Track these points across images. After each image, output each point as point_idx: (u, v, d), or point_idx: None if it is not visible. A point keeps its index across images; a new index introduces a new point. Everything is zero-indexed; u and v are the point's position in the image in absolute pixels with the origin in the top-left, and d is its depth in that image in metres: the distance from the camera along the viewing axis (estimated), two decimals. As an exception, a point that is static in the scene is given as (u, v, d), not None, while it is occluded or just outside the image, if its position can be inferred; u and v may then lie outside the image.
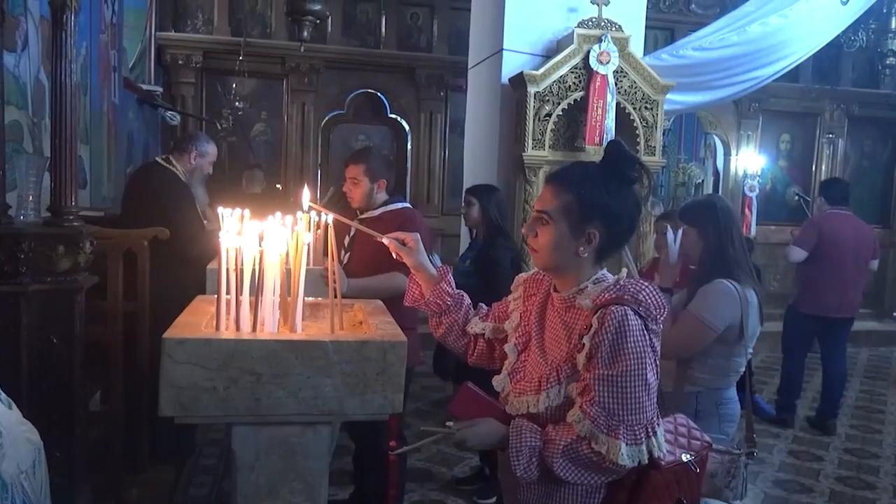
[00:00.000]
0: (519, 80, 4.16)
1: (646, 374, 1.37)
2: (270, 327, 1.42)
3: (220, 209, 2.40)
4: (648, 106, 4.23)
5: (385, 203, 3.10)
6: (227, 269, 1.40)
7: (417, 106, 7.19)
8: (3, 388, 2.22)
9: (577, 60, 4.11)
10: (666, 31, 7.46)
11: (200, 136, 3.57)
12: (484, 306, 1.79)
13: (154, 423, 3.19)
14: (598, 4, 4.17)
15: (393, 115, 7.24)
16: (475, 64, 5.00)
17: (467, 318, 1.73)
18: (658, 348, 1.45)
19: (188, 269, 2.93)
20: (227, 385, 1.29)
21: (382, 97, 7.18)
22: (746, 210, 7.64)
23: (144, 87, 5.72)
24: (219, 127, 6.45)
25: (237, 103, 6.59)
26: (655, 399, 1.42)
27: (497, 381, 1.58)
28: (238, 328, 1.39)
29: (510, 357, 1.60)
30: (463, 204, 3.71)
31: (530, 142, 4.10)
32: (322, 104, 6.98)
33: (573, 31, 4.14)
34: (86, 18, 3.97)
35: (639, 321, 1.39)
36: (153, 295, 3.10)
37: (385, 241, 1.65)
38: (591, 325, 1.40)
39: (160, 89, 6.13)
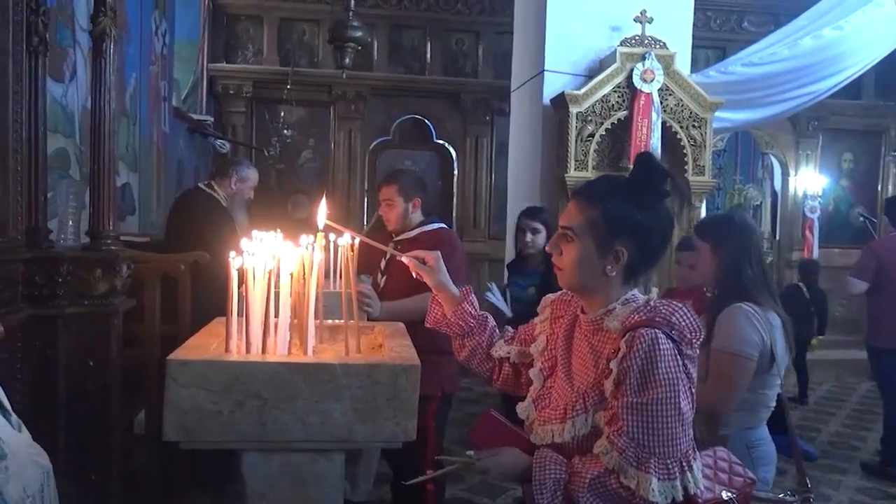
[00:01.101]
0: (561, 101, 4.09)
1: (679, 403, 1.27)
2: (282, 349, 1.37)
3: (254, 232, 2.42)
4: (696, 124, 4.09)
5: (421, 224, 3.05)
6: (237, 290, 1.36)
7: (463, 131, 7.18)
8: (39, 411, 2.25)
9: (620, 79, 4.02)
10: (718, 51, 7.27)
11: (241, 161, 3.62)
12: (510, 328, 1.71)
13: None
14: (641, 22, 4.08)
15: (439, 141, 7.25)
16: (518, 86, 4.95)
17: (492, 341, 1.65)
18: (693, 375, 1.34)
19: (227, 292, 2.94)
20: (231, 409, 1.24)
21: (428, 123, 7.20)
22: (808, 232, 7.32)
23: (195, 116, 5.87)
24: (266, 154, 6.57)
25: (285, 131, 6.70)
26: (691, 430, 1.31)
27: (521, 409, 1.49)
28: (248, 350, 1.35)
29: (535, 383, 1.51)
30: (522, 230, 3.52)
31: (573, 163, 4.01)
32: (369, 131, 7.04)
33: (616, 50, 4.06)
34: (135, 50, 4.11)
35: (671, 345, 1.29)
36: (193, 318, 3.12)
37: (405, 259, 1.59)
38: (620, 349, 1.30)
39: (211, 118, 6.28)
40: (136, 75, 4.16)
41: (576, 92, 4.02)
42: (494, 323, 1.68)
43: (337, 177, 6.95)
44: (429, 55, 7.02)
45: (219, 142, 6.03)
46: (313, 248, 1.44)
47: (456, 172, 7.27)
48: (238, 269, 1.36)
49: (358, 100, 6.87)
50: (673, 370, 1.27)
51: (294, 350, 1.42)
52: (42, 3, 2.44)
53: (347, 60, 5.04)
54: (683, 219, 4.14)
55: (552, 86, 4.29)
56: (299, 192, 5.90)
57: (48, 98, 2.99)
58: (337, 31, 5.03)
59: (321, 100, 6.84)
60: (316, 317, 1.61)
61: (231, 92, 6.62)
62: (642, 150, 3.92)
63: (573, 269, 1.41)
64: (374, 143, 7.13)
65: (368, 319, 2.53)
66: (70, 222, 2.61)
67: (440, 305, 1.64)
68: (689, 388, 1.31)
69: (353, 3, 5.13)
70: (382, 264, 3.00)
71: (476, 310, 1.64)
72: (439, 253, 1.64)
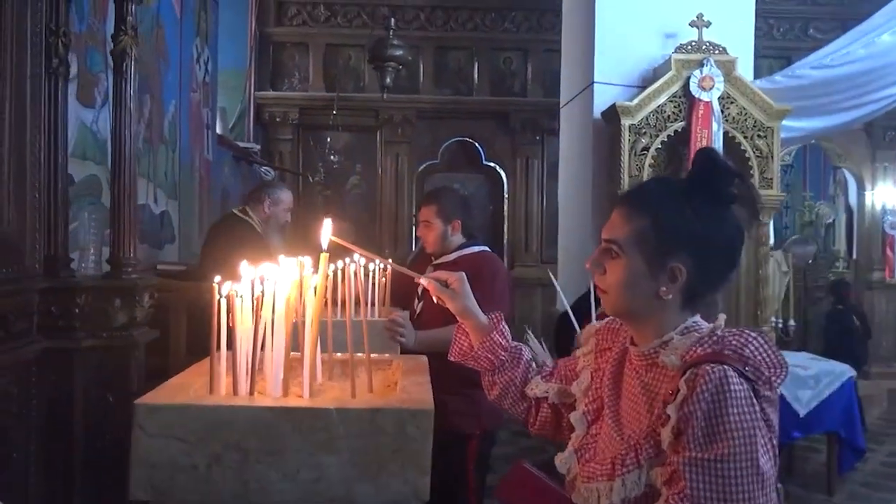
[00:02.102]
0: (612, 114, 3.83)
1: (755, 458, 1.00)
2: (274, 390, 1.16)
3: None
4: (761, 134, 3.77)
5: (461, 247, 2.84)
6: (221, 321, 1.17)
7: (513, 152, 6.97)
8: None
9: (675, 88, 3.74)
10: (782, 60, 6.87)
11: (273, 184, 3.50)
12: (549, 362, 1.47)
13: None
14: (697, 27, 3.80)
15: (488, 163, 7.05)
16: (566, 102, 4.72)
17: (527, 377, 1.41)
18: (775, 422, 1.07)
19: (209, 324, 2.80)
20: (208, 463, 1.04)
21: (477, 145, 7.02)
22: (888, 251, 6.79)
23: (241, 144, 5.85)
24: (311, 180, 6.50)
25: (332, 157, 6.63)
26: (773, 493, 1.04)
27: (561, 461, 1.24)
28: (235, 391, 1.15)
29: (577, 429, 1.26)
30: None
31: (626, 178, 3.73)
32: (416, 154, 6.91)
33: (671, 57, 3.79)
34: (174, 77, 4.07)
35: (744, 385, 1.03)
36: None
37: (423, 282, 1.38)
38: (679, 391, 1.05)
39: (257, 146, 6.26)
40: (176, 102, 4.12)
41: (628, 103, 3.76)
42: (531, 356, 1.44)
43: (384, 202, 6.83)
44: (476, 75, 6.86)
45: (263, 169, 5.99)
46: (306, 271, 1.24)
47: (506, 195, 7.06)
48: (226, 297, 1.17)
49: (404, 123, 6.75)
50: (748, 417, 1.01)
51: (293, 390, 1.22)
52: (62, 24, 2.35)
53: (388, 80, 4.91)
54: (751, 236, 3.80)
55: (602, 98, 4.04)
56: (345, 221, 5.80)
57: (77, 124, 2.93)
58: (377, 50, 4.92)
59: (367, 124, 6.76)
60: (325, 350, 1.41)
61: (277, 119, 6.60)
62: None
63: (619, 291, 1.16)
64: (422, 166, 6.99)
65: (402, 350, 2.32)
66: (91, 250, 2.51)
67: (466, 335, 1.42)
68: (770, 439, 1.04)
69: (393, 21, 5.02)
70: (420, 290, 2.80)
71: (508, 340, 1.41)
72: (464, 274, 1.42)
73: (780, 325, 5.42)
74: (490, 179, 7.12)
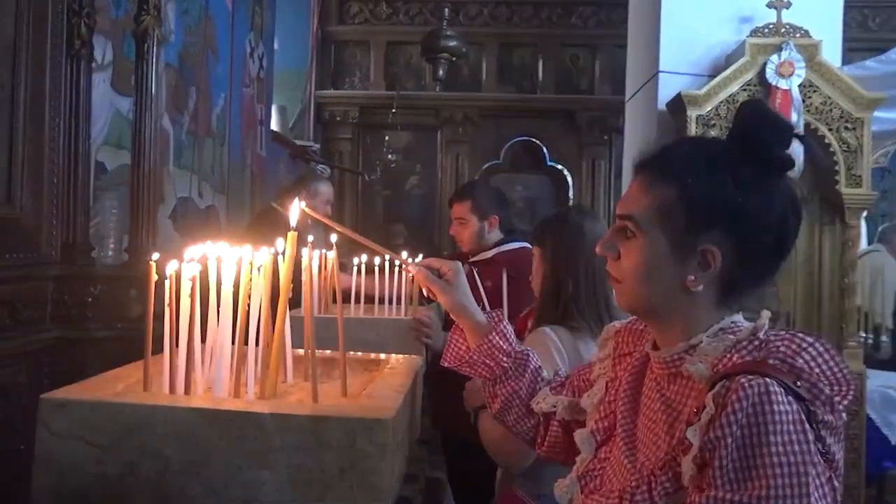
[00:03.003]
0: (678, 104, 3.51)
1: (808, 501, 0.75)
2: (217, 389, 0.98)
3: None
4: (849, 125, 3.36)
5: (499, 243, 2.63)
6: (164, 306, 1.00)
7: (579, 152, 6.66)
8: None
9: (750, 75, 3.39)
10: (877, 53, 6.29)
11: (311, 176, 3.38)
12: (561, 370, 1.24)
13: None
14: (776, 8, 3.44)
15: (552, 164, 6.76)
16: (631, 95, 4.42)
17: (534, 388, 1.19)
18: (838, 455, 0.82)
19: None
20: (122, 472, 0.87)
21: (541, 145, 6.74)
22: None
23: (298, 142, 5.80)
24: (367, 179, 6.39)
25: (390, 156, 6.51)
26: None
27: (561, 490, 1.01)
28: (172, 389, 0.98)
29: (583, 451, 1.02)
30: None
31: (692, 174, 3.40)
32: (477, 155, 6.70)
33: (745, 42, 3.44)
34: (224, 70, 4.03)
35: (793, 406, 0.77)
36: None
37: (412, 270, 1.18)
38: (704, 409, 0.81)
39: (315, 144, 6.21)
40: (226, 96, 4.07)
41: (695, 92, 3.43)
42: (538, 363, 1.21)
43: (444, 203, 6.64)
44: (541, 72, 6.60)
45: (320, 167, 5.92)
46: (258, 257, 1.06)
47: (571, 197, 6.74)
48: (168, 277, 1.01)
49: (466, 122, 6.56)
50: (796, 447, 0.75)
51: (258, 393, 1.04)
52: (86, 4, 2.28)
53: (441, 72, 4.74)
54: (832, 237, 3.41)
55: (668, 90, 3.72)
56: (398, 222, 5.68)
57: (112, 111, 2.89)
58: (429, 41, 4.74)
59: (428, 124, 6.60)
60: (301, 345, 1.23)
61: (338, 119, 6.54)
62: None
63: (636, 280, 0.93)
64: (484, 167, 6.76)
65: (429, 351, 2.13)
66: (112, 239, 2.45)
67: (463, 337, 1.20)
68: (829, 478, 0.78)
69: (447, 11, 4.83)
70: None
71: (511, 344, 1.19)
72: (460, 265, 1.21)
73: (871, 340, 4.87)
74: (554, 181, 6.83)
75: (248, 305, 1.00)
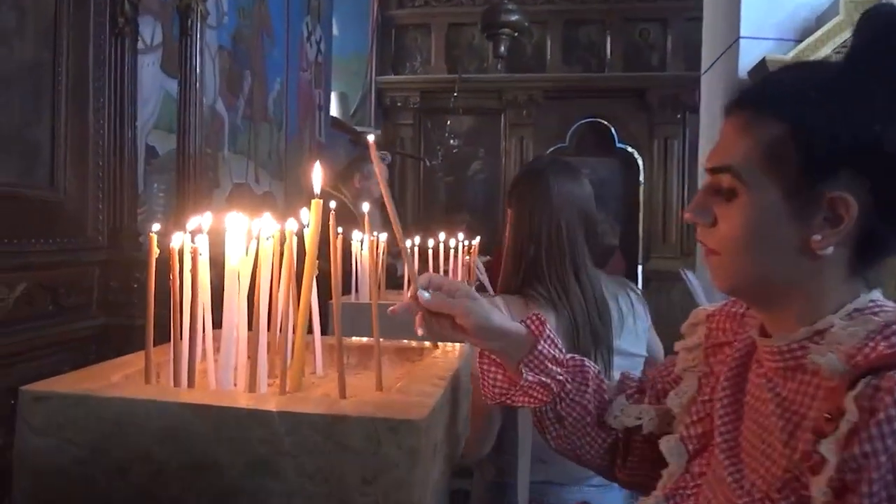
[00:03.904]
0: (761, 72, 3.20)
1: None
2: (224, 380, 0.84)
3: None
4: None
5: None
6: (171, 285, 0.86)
7: (650, 132, 6.33)
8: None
9: (845, 36, 3.05)
10: None
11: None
12: (634, 375, 1.03)
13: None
14: (876, -41, 3.08)
15: (622, 145, 6.45)
16: (708, 67, 4.10)
17: (602, 400, 0.99)
18: None
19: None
20: (110, 476, 0.74)
21: (609, 126, 6.44)
22: None
23: (359, 129, 5.71)
24: (428, 164, 6.24)
25: (452, 141, 6.35)
26: None
27: (641, 510, 0.82)
28: (177, 382, 0.84)
29: (671, 464, 0.83)
30: None
31: (779, 147, 3.10)
32: (542, 138, 6.45)
33: (838, 1, 3.10)
34: (280, 54, 3.94)
35: None
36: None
37: (421, 298, 0.94)
38: (844, 413, 0.60)
39: (375, 130, 6.11)
40: (282, 80, 3.99)
41: (781, 56, 3.12)
42: (597, 368, 1.01)
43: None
44: (608, 50, 6.29)
45: (380, 153, 5.81)
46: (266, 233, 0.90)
47: (642, 180, 6.42)
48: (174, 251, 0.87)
49: (530, 104, 6.33)
50: None
51: (276, 382, 0.89)
52: (129, -21, 2.20)
53: (503, 49, 4.52)
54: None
55: (750, 57, 3.41)
56: (461, 209, 5.52)
57: (162, 94, 2.82)
58: (489, 17, 4.53)
59: (491, 107, 6.40)
60: (328, 331, 1.07)
61: (398, 104, 6.42)
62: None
63: (741, 246, 0.73)
64: (549, 150, 6.52)
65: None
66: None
67: (496, 364, 1.00)
68: None
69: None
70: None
71: (561, 350, 0.98)
72: (494, 300, 1.02)
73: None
74: (624, 163, 6.52)
75: (268, 285, 0.85)
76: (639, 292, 1.71)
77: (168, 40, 2.77)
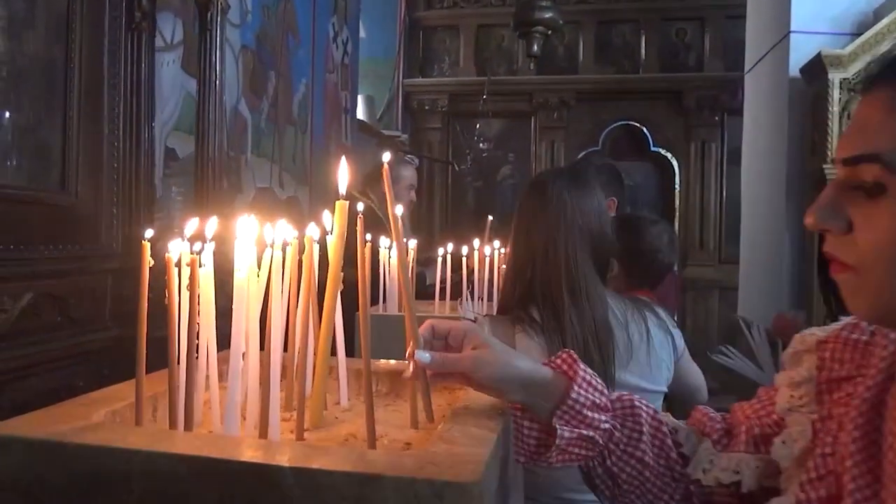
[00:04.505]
0: (815, 68, 3.01)
1: None
2: (231, 423, 0.69)
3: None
4: None
5: (611, 230, 2.25)
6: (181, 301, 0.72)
7: (686, 135, 6.10)
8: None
9: (908, 28, 2.85)
10: None
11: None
12: (711, 412, 0.86)
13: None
14: (942, -55, 2.87)
15: (656, 149, 6.24)
16: (753, 65, 3.90)
17: (664, 447, 0.82)
18: None
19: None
20: (85, 546, 0.59)
21: (643, 129, 6.23)
22: None
23: (386, 132, 5.59)
24: (457, 168, 6.09)
25: (481, 145, 6.19)
26: None
27: None
28: (173, 422, 0.69)
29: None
30: None
31: (834, 148, 2.89)
32: (573, 142, 6.27)
33: (901, -10, 2.90)
34: (306, 55, 3.83)
35: None
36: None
37: (418, 358, 0.78)
38: None
39: (402, 134, 5.98)
40: (307, 82, 3.87)
41: (839, 51, 2.92)
42: (652, 408, 0.84)
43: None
44: (643, 50, 6.09)
45: (408, 157, 5.68)
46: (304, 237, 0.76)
47: (678, 185, 6.20)
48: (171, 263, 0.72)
49: (561, 107, 6.15)
50: None
51: (289, 425, 0.74)
52: (147, -28, 2.09)
53: (536, 48, 4.35)
54: None
55: (801, 53, 3.21)
56: (490, 215, 5.35)
57: (183, 94, 2.71)
58: (522, 14, 4.37)
59: (521, 109, 6.23)
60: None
61: (426, 107, 6.28)
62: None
63: (890, 259, 0.56)
64: (581, 155, 6.33)
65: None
66: (175, 225, 2.27)
67: (525, 415, 0.83)
68: None
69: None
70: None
71: (601, 391, 0.82)
72: (472, 323, 0.86)
73: None
74: (658, 167, 6.30)
75: (284, 300, 0.71)
76: (665, 318, 1.53)
77: (189, 38, 2.66)
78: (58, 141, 1.88)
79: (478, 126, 6.17)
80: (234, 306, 0.69)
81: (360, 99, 5.27)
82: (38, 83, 1.82)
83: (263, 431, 0.69)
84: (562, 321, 1.35)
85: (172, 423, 0.69)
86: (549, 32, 4.52)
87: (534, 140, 6.26)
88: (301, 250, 0.82)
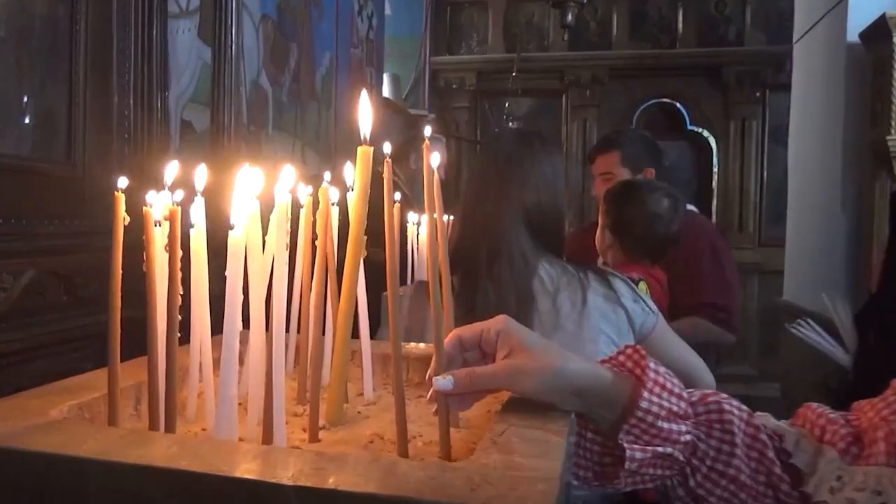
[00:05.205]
0: (877, 31, 2.77)
1: None
2: (219, 427, 0.54)
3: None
4: None
5: (653, 206, 2.08)
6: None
7: (725, 113, 5.84)
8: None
9: (985, -16, 2.60)
10: None
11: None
12: (830, 413, 0.69)
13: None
14: None
15: (693, 127, 5.99)
16: (803, 34, 3.65)
17: (763, 459, 0.65)
18: None
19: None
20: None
21: (680, 106, 5.98)
22: None
23: (412, 111, 5.43)
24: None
25: (510, 125, 6.00)
26: None
27: None
28: (153, 422, 0.54)
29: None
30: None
31: (901, 117, 2.67)
32: (606, 120, 6.03)
33: (976, -57, 2.65)
34: (329, 27, 3.67)
35: None
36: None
37: (438, 384, 0.64)
38: None
39: (429, 114, 5.81)
40: (331, 55, 3.71)
41: (905, 12, 2.68)
42: (746, 412, 0.67)
43: (570, 174, 6.05)
44: (680, 24, 5.82)
45: (435, 134, 5.53)
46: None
47: (716, 165, 5.95)
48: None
49: (594, 84, 5.92)
50: None
51: (299, 423, 0.59)
52: (159, -71, 1.95)
53: (570, 18, 4.15)
54: None
55: (861, 17, 2.97)
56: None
57: (199, 65, 2.57)
58: (557, -18, 4.18)
59: (551, 88, 6.02)
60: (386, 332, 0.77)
61: (454, 86, 6.10)
62: None
63: None
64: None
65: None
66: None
67: (585, 426, 0.67)
68: None
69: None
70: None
71: (679, 391, 0.65)
72: (504, 317, 0.69)
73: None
74: (695, 146, 6.05)
75: (293, 269, 0.56)
76: (621, 290, 1.37)
77: (206, 5, 2.51)
78: (63, 108, 1.75)
79: (506, 105, 5.98)
80: (227, 273, 0.54)
81: (385, 78, 5.11)
82: (41, 44, 1.69)
83: (267, 434, 0.54)
84: (476, 287, 1.29)
85: (152, 423, 0.55)
86: (585, 1, 4.32)
87: (565, 119, 6.05)
88: (315, 209, 0.66)
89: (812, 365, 2.50)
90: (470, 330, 0.65)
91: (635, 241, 1.90)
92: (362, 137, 0.66)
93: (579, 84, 5.91)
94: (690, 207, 2.23)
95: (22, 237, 1.58)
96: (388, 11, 5.18)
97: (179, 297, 0.57)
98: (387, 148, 0.78)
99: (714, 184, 5.91)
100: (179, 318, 0.56)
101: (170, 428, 0.53)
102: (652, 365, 0.64)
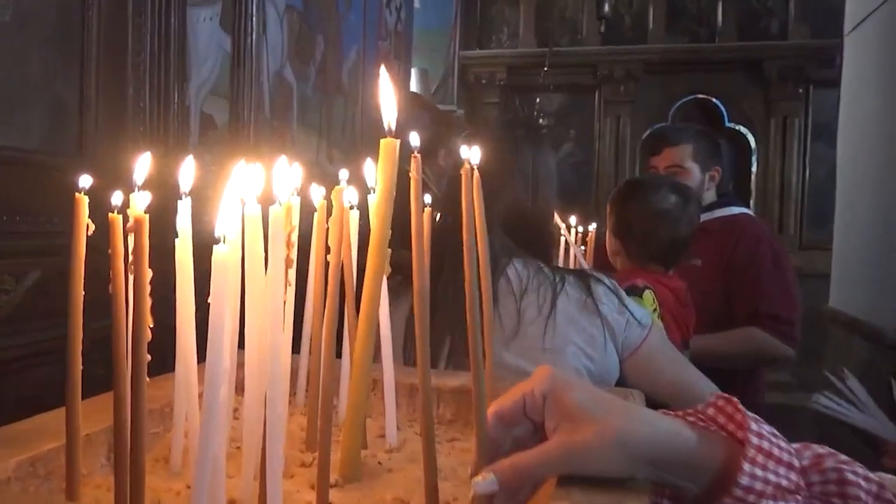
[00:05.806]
0: (943, 21, 2.58)
1: None
2: (206, 489, 0.42)
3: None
4: None
5: (713, 206, 1.97)
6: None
7: (766, 110, 5.62)
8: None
9: None
10: None
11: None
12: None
13: None
14: None
15: (732, 125, 5.77)
16: (857, 23, 3.45)
17: None
18: None
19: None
20: None
21: (718, 103, 5.77)
22: None
23: (441, 106, 5.30)
24: (516, 145, 5.77)
25: (542, 121, 5.84)
26: None
27: None
28: (118, 485, 0.43)
29: None
30: None
31: (969, 113, 2.48)
32: (641, 116, 5.86)
33: None
34: (357, 19, 3.55)
35: None
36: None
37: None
38: None
39: (458, 109, 5.68)
40: (359, 48, 3.60)
41: (975, -1, 2.49)
42: (875, 483, 0.53)
43: (602, 172, 5.89)
44: (720, 16, 5.62)
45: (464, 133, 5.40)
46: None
47: (755, 164, 5.73)
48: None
49: (628, 80, 5.74)
50: None
51: (293, 470, 0.47)
52: (177, -90, 1.85)
53: (607, 8, 4.01)
54: None
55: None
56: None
57: (221, 55, 2.48)
58: (594, -29, 4.02)
59: (584, 83, 5.85)
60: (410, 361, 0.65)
61: (483, 81, 5.96)
62: None
63: None
64: (648, 131, 5.92)
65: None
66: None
67: (663, 492, 0.54)
68: None
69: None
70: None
71: (790, 450, 0.51)
72: (549, 375, 0.55)
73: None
74: (734, 145, 5.81)
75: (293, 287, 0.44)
76: (603, 299, 1.22)
77: (228, -7, 2.41)
78: (74, 99, 1.66)
79: (538, 100, 5.83)
80: (210, 299, 0.42)
81: (413, 72, 4.99)
82: (51, 29, 1.60)
83: (263, 496, 0.42)
84: (436, 284, 1.20)
85: (118, 483, 0.43)
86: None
87: (598, 116, 5.88)
88: (328, 215, 0.54)
89: (857, 374, 2.34)
90: (510, 400, 0.52)
91: (637, 243, 1.71)
92: (386, 128, 0.53)
93: (613, 79, 5.74)
94: (745, 210, 2.08)
95: (26, 235, 1.49)
96: (416, 4, 5.06)
97: (148, 331, 0.45)
98: (415, 140, 0.65)
99: (752, 184, 5.70)
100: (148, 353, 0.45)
101: (136, 493, 0.42)
102: (753, 426, 0.50)
